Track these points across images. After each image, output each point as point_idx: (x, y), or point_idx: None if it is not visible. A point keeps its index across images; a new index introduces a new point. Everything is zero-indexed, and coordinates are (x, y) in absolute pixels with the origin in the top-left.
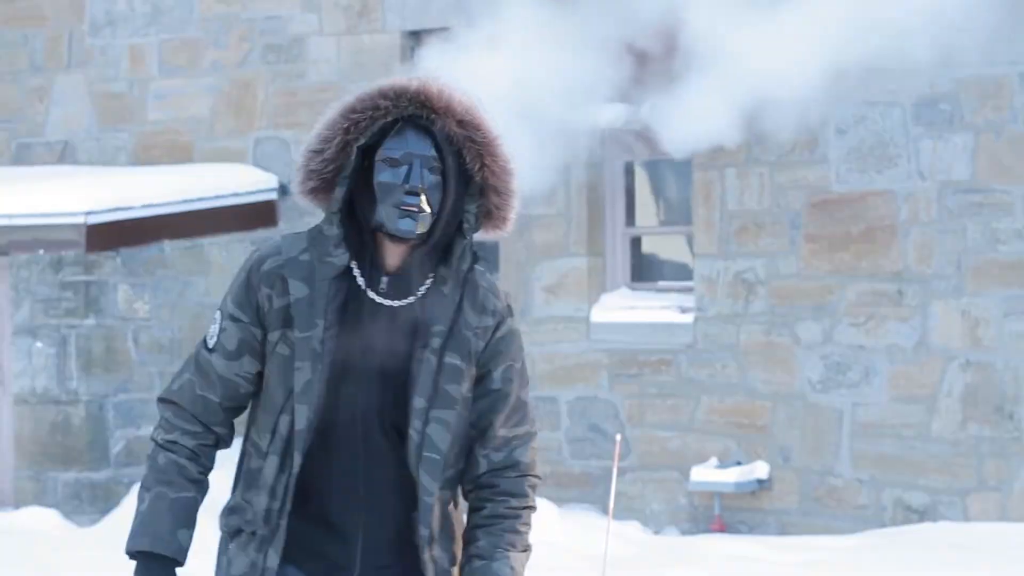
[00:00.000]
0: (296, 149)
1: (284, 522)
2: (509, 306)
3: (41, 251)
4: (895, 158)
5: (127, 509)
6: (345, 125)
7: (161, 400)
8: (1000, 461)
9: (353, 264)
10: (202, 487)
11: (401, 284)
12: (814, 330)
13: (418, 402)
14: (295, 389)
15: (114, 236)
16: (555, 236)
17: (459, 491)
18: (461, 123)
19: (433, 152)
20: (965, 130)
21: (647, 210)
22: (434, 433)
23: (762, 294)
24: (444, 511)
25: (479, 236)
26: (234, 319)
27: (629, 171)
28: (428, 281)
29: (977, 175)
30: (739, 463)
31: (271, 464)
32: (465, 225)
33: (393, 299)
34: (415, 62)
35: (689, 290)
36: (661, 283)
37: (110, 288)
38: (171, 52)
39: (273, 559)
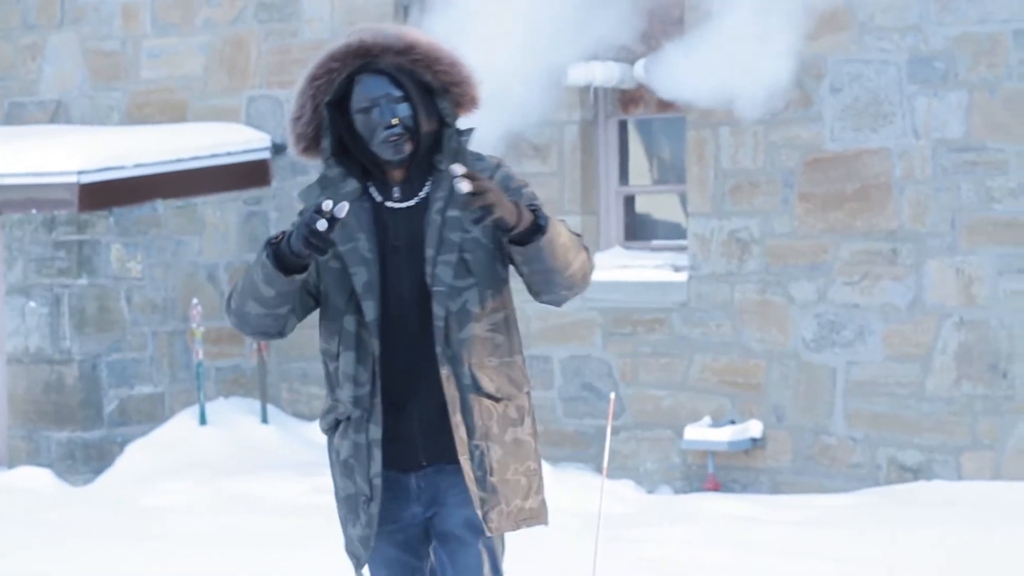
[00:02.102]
0: (289, 108)
1: (377, 400)
2: (499, 161)
3: (34, 210)
4: (889, 116)
5: (120, 469)
6: (311, 92)
7: None
8: (994, 419)
9: (370, 185)
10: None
11: (410, 188)
12: (808, 289)
13: (428, 252)
14: (357, 289)
15: (107, 195)
16: (549, 194)
17: (515, 346)
18: (399, 52)
19: (390, 87)
20: (959, 88)
21: (640, 169)
22: (440, 272)
23: (756, 253)
24: (473, 332)
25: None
26: None
27: (623, 129)
28: (431, 177)
29: (971, 133)
30: (733, 422)
31: (346, 359)
32: (447, 119)
33: (407, 201)
34: (408, 20)
35: (683, 249)
36: (655, 242)
37: (103, 247)
38: (164, 9)
39: (375, 432)
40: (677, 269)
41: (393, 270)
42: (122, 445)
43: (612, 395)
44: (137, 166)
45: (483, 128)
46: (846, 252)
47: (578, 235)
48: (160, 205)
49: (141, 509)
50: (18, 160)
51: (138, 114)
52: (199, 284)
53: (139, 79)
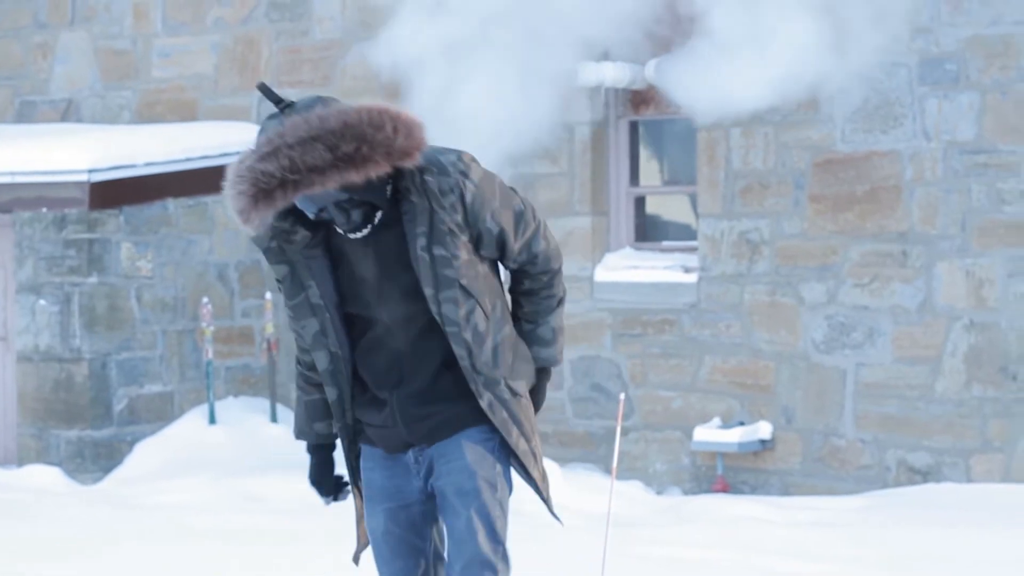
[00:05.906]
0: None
1: (347, 432)
2: (462, 171)
3: (44, 209)
4: (900, 118)
5: (129, 467)
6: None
7: None
8: (1004, 422)
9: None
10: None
11: (369, 214)
12: (818, 290)
13: (428, 291)
14: (307, 342)
15: (117, 194)
16: (559, 195)
17: (507, 332)
18: (315, 138)
19: (332, 193)
20: (971, 90)
21: (651, 170)
22: (448, 311)
23: (766, 254)
24: (493, 344)
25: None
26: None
27: (633, 130)
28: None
29: (983, 135)
30: (742, 423)
31: (328, 393)
32: (395, 174)
33: (366, 228)
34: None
35: (693, 250)
36: (665, 243)
37: (113, 246)
38: (175, 9)
39: (348, 461)
40: (687, 270)
41: (378, 290)
42: (131, 444)
43: (622, 396)
44: (148, 165)
45: (494, 129)
46: (856, 254)
47: (557, 269)
48: (170, 204)
49: (150, 508)
50: (29, 159)
51: (149, 113)
52: (209, 283)
53: (150, 78)
